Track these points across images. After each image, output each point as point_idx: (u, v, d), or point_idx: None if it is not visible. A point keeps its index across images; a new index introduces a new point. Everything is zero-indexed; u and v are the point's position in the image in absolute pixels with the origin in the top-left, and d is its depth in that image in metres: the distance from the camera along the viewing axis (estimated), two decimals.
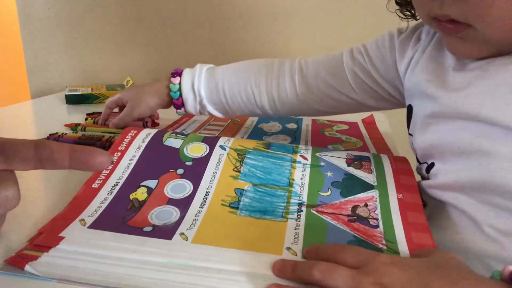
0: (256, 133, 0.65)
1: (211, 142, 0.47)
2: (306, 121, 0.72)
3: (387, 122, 0.80)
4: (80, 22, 0.96)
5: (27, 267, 0.29)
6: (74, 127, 0.63)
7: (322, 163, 0.45)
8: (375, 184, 0.42)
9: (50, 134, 0.59)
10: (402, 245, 0.34)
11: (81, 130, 0.63)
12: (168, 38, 0.95)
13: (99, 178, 0.42)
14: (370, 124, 0.73)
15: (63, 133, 0.60)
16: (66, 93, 0.80)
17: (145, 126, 0.63)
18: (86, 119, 0.68)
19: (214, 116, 0.73)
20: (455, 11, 0.34)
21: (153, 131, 0.49)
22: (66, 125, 0.65)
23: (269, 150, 0.47)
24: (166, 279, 0.30)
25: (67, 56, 0.99)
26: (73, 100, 0.80)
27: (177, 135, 0.49)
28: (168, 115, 0.73)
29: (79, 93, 0.81)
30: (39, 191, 0.46)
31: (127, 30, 0.95)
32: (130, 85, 0.85)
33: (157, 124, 0.64)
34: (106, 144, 0.56)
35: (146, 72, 0.98)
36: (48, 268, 0.30)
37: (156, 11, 0.93)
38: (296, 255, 0.32)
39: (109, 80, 0.99)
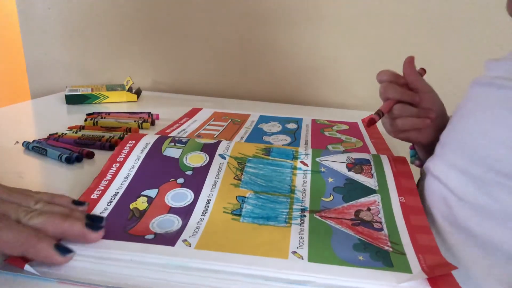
0: (256, 133, 0.64)
1: (210, 151, 0.47)
2: (306, 121, 0.72)
3: None
4: (80, 22, 0.96)
5: (27, 267, 0.29)
6: (78, 129, 0.63)
7: (323, 169, 0.45)
8: (377, 188, 0.42)
9: (50, 134, 0.59)
10: (408, 247, 0.34)
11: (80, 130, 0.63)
12: (168, 37, 0.95)
13: (97, 189, 0.41)
14: None
15: (63, 133, 0.60)
16: (66, 93, 0.80)
17: None
18: (86, 119, 0.68)
19: (214, 116, 0.74)
20: None
21: (152, 140, 0.49)
22: (70, 127, 0.65)
23: (269, 157, 0.47)
24: (167, 279, 0.30)
25: (67, 56, 0.99)
26: (73, 100, 0.80)
27: (176, 144, 0.49)
28: (168, 115, 0.73)
29: (79, 93, 0.81)
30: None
31: (127, 30, 0.95)
32: (129, 85, 0.85)
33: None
34: (106, 144, 0.56)
35: (146, 72, 0.98)
36: (48, 268, 0.30)
37: (156, 11, 0.93)
38: (303, 259, 0.32)
39: (109, 80, 0.99)
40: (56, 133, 0.60)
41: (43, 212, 0.32)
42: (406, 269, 0.32)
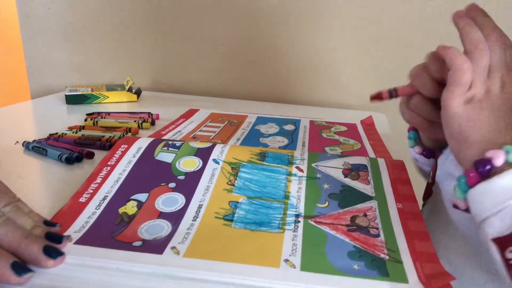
0: (253, 135, 0.64)
1: (204, 156, 0.47)
2: (304, 123, 0.72)
3: (387, 122, 0.80)
4: (80, 22, 0.96)
5: None
6: (78, 129, 0.63)
7: (319, 175, 0.44)
8: (373, 195, 0.42)
9: (50, 134, 0.59)
10: (405, 255, 0.33)
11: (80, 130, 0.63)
12: (168, 37, 0.95)
13: (86, 192, 0.40)
14: (368, 125, 0.73)
15: (63, 133, 0.60)
16: (66, 93, 0.80)
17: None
18: (86, 119, 0.68)
19: (210, 117, 0.73)
20: None
21: (145, 145, 0.48)
22: (70, 127, 0.65)
23: (264, 163, 0.46)
24: (155, 287, 0.29)
25: (67, 56, 0.99)
26: (73, 100, 0.80)
27: (169, 148, 0.48)
28: (168, 115, 0.73)
29: (79, 93, 0.81)
30: (37, 192, 0.46)
31: (127, 30, 0.95)
32: (129, 85, 0.85)
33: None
34: (106, 144, 0.56)
35: (146, 72, 0.98)
36: (33, 277, 0.29)
37: (156, 11, 0.93)
38: (295, 267, 0.31)
39: (109, 80, 0.99)
40: (56, 133, 0.60)
41: (7, 221, 0.31)
42: (403, 278, 0.31)
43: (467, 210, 0.32)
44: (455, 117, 0.34)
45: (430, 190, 0.46)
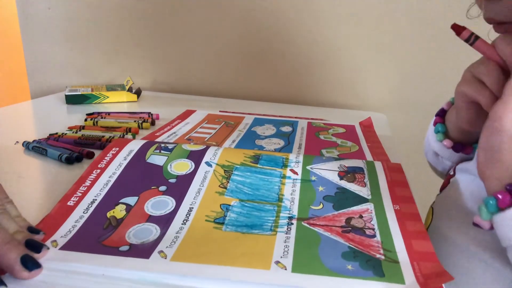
0: (249, 136, 0.63)
1: (196, 158, 0.46)
2: (302, 124, 0.71)
3: (387, 122, 0.80)
4: (80, 22, 0.96)
5: None
6: (78, 129, 0.64)
7: (313, 178, 0.44)
8: (369, 197, 0.41)
9: (50, 134, 0.60)
10: (402, 254, 0.33)
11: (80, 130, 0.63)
12: (168, 37, 0.95)
13: (75, 195, 0.40)
14: (367, 127, 0.72)
15: (63, 133, 0.61)
16: (66, 93, 0.80)
17: None
18: (86, 119, 0.68)
19: (207, 118, 0.73)
20: (494, 13, 0.35)
21: (136, 147, 0.48)
22: (70, 127, 0.65)
23: (257, 165, 0.46)
24: None
25: (67, 56, 0.99)
26: (73, 100, 0.81)
27: (161, 151, 0.47)
28: (168, 115, 0.73)
29: (79, 93, 0.81)
30: (37, 192, 0.46)
31: (127, 30, 0.96)
32: (129, 85, 0.85)
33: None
34: (106, 144, 0.56)
35: (146, 72, 0.99)
36: (15, 284, 0.28)
37: (156, 11, 0.93)
38: (286, 269, 0.30)
39: (109, 80, 0.99)
40: (56, 133, 0.60)
41: None
42: (399, 279, 0.30)
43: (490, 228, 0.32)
44: (501, 133, 0.31)
45: (449, 181, 0.46)
